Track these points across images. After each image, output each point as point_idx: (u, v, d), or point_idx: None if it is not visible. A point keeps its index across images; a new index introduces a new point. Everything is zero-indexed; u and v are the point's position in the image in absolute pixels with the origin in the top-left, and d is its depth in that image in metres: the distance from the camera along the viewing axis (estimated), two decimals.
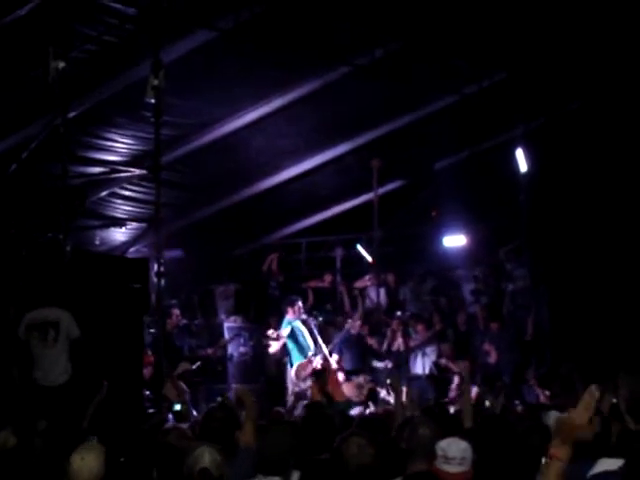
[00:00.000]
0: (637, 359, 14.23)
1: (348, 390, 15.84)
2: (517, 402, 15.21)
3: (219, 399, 12.01)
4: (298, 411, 14.33)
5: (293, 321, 15.61)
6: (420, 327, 17.13)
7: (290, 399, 15.25)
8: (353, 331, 16.18)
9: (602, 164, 17.52)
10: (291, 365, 15.69)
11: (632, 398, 6.60)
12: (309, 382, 15.21)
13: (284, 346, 15.80)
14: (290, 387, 15.57)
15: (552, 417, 7.59)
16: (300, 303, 15.93)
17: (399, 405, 8.97)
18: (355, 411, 13.66)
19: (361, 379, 16.01)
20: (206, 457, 5.41)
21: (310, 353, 15.44)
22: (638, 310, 16.02)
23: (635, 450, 5.46)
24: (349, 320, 16.59)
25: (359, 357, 16.64)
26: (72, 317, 10.95)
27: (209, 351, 16.22)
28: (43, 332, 10.89)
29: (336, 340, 16.31)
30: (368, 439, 5.63)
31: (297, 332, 15.56)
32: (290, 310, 15.67)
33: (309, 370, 15.32)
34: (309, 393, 15.18)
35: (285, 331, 15.60)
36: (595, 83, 16.71)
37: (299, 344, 15.52)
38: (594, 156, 17.54)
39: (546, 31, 14.99)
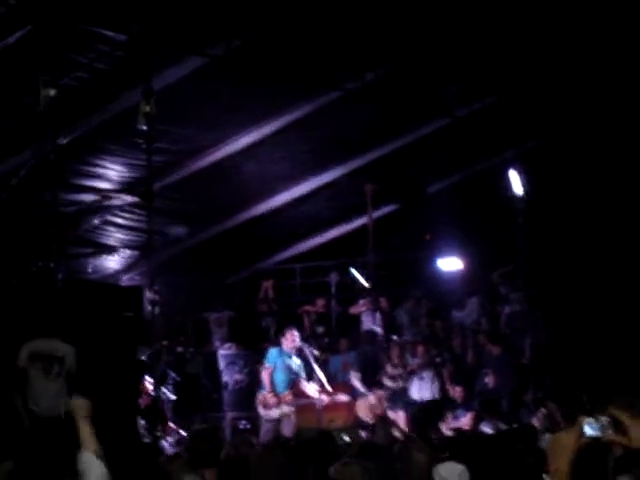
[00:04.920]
0: (634, 380, 14.18)
1: (361, 411, 15.69)
2: (516, 425, 15.15)
3: None
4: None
5: (285, 353, 15.18)
6: (420, 349, 17.06)
7: (266, 427, 14.81)
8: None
9: (596, 186, 17.54)
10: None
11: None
12: (277, 411, 14.88)
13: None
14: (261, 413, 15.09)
15: (546, 440, 7.56)
16: (295, 332, 15.49)
17: None
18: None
19: (372, 399, 15.85)
20: None
21: (284, 389, 15.06)
22: (634, 331, 16.00)
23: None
24: None
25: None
26: (75, 352, 10.83)
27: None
28: (48, 365, 10.74)
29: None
30: (362, 468, 5.61)
31: (279, 367, 15.14)
32: (284, 340, 15.26)
33: (273, 401, 14.92)
34: (289, 420, 14.85)
35: (268, 369, 15.13)
36: (587, 105, 16.73)
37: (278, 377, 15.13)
38: (588, 177, 17.56)
39: (537, 53, 15.03)
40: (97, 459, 4.81)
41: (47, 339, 10.83)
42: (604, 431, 3.49)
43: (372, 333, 17.43)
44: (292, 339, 15.11)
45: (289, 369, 14.97)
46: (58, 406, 10.67)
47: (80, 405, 5.09)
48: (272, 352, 15.15)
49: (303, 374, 15.12)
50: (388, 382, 16.36)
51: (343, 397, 15.83)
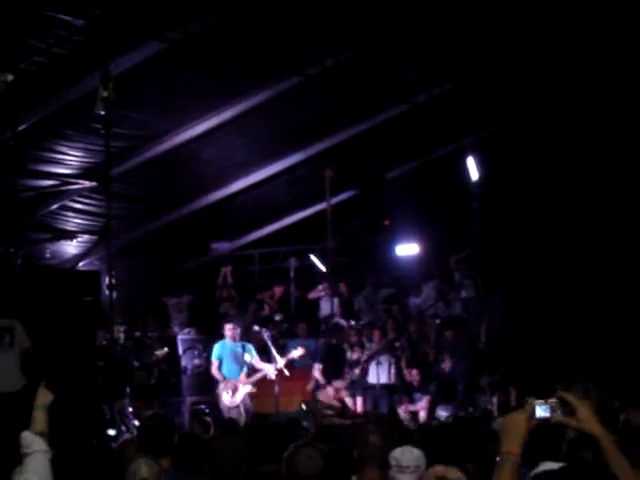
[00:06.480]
0: (587, 365, 14.40)
1: (325, 398, 15.80)
2: (471, 409, 15.33)
3: None
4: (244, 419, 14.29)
5: (229, 344, 15.30)
6: (377, 335, 17.15)
7: (229, 414, 14.94)
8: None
9: (551, 171, 17.69)
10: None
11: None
12: (240, 395, 14.99)
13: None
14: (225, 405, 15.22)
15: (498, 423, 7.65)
16: (231, 325, 15.41)
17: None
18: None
19: (337, 386, 15.97)
20: (143, 468, 5.43)
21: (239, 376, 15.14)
22: (589, 316, 16.19)
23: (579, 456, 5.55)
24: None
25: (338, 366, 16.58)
26: (22, 327, 10.95)
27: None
28: None
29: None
30: (318, 450, 5.64)
31: (226, 358, 15.27)
32: (226, 333, 15.36)
33: (233, 386, 15.05)
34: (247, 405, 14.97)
35: (214, 364, 15.26)
36: (543, 92, 16.87)
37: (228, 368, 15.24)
38: (543, 163, 17.71)
39: (494, 40, 15.13)
40: (38, 437, 4.82)
41: None
42: (553, 412, 3.59)
43: (336, 325, 17.57)
44: (231, 331, 15.26)
45: (236, 357, 15.13)
46: (12, 380, 10.70)
47: (44, 395, 5.13)
48: (216, 347, 15.38)
49: (254, 354, 15.24)
50: (349, 371, 16.49)
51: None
